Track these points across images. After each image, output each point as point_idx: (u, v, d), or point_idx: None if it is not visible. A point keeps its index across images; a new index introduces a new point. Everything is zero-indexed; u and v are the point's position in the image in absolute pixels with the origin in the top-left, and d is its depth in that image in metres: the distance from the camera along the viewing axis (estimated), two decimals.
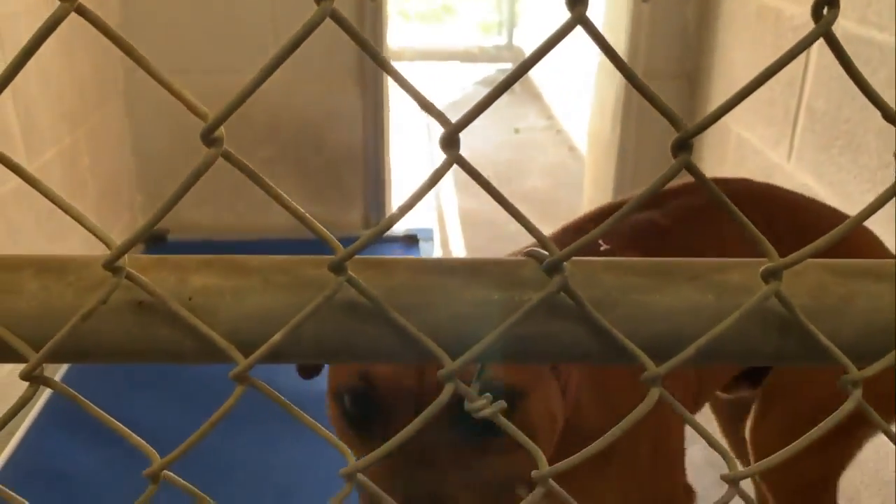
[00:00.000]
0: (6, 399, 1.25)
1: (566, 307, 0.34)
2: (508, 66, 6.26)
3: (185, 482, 0.39)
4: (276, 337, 0.34)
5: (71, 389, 0.37)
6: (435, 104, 0.33)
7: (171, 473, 0.38)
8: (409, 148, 5.04)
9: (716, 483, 1.02)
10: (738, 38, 2.15)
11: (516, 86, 5.74)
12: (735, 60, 2.18)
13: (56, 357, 0.35)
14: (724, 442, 1.16)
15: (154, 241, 2.60)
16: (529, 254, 0.36)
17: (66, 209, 0.36)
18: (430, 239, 2.68)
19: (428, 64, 6.27)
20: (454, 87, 5.88)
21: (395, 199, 2.90)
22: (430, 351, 0.35)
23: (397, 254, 2.61)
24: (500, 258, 0.37)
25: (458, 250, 3.79)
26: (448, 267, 0.36)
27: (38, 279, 0.36)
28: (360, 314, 0.35)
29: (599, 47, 0.30)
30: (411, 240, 2.67)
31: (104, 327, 0.35)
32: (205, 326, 0.35)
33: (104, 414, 0.38)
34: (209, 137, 0.31)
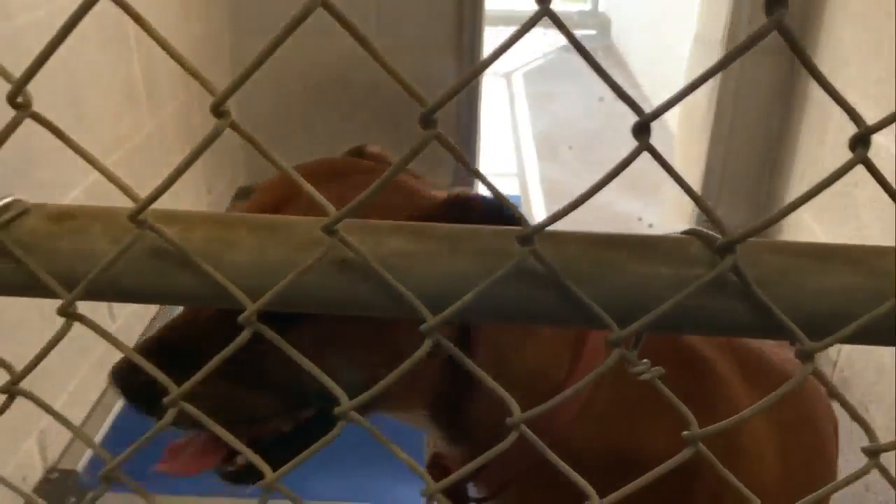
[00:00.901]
0: None
1: (730, 283, 0.38)
2: (592, 33, 6.17)
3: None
4: (468, 297, 0.38)
5: None
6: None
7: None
8: (492, 115, 5.05)
9: None
10: (848, 16, 2.09)
11: (600, 53, 5.68)
12: (843, 38, 2.12)
13: (270, 305, 0.40)
14: None
15: (244, 195, 2.73)
16: (695, 233, 0.39)
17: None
18: (517, 206, 2.70)
19: (510, 29, 6.22)
20: (537, 53, 5.83)
21: (483, 167, 2.93)
22: (601, 319, 0.38)
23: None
24: (664, 235, 0.41)
25: (541, 218, 3.80)
26: (618, 241, 0.40)
27: (254, 236, 0.41)
28: (539, 282, 0.39)
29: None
30: None
31: (314, 281, 0.40)
32: (399, 285, 0.39)
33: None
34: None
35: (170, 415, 0.46)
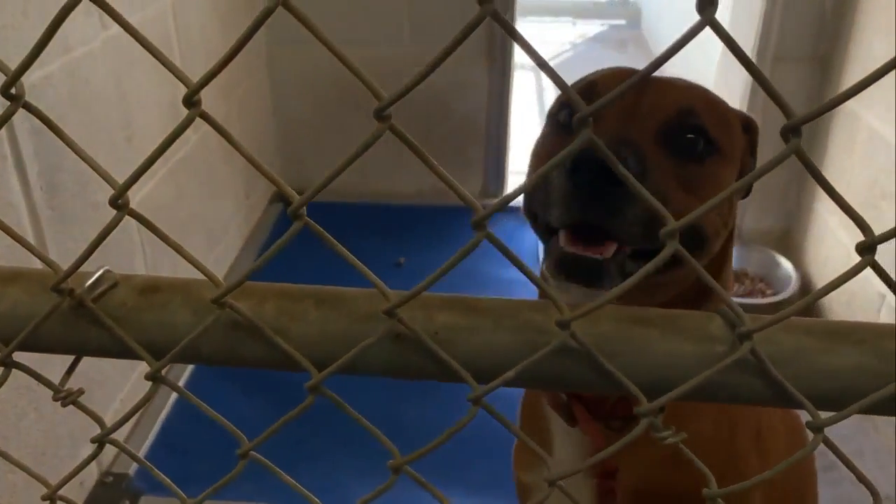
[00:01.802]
0: None
1: (748, 362, 0.42)
2: (622, 23, 6.13)
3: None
4: (510, 374, 0.43)
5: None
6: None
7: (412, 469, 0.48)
8: (523, 115, 5.05)
9: None
10: (878, 25, 2.09)
11: (630, 43, 5.63)
12: (873, 47, 2.12)
13: (332, 373, 0.45)
14: None
15: (279, 200, 2.80)
16: (721, 314, 0.43)
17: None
18: None
19: (541, 19, 6.18)
20: (566, 45, 5.80)
21: (512, 162, 2.96)
22: (630, 391, 0.43)
23: (515, 225, 2.68)
24: (688, 312, 0.45)
25: None
26: (646, 318, 0.44)
27: (319, 309, 0.46)
28: (574, 356, 0.43)
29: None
30: None
31: (371, 351, 0.44)
32: (447, 357, 0.44)
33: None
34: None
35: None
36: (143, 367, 0.46)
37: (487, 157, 2.87)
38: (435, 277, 0.42)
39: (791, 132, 0.36)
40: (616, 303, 0.41)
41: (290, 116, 2.75)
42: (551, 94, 5.17)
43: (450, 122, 2.81)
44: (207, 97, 0.39)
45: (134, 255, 1.64)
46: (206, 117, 0.41)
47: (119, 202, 0.41)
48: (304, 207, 0.41)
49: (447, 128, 2.81)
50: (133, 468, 1.62)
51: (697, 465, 0.45)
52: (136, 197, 1.63)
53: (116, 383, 1.62)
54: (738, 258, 2.83)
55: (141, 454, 1.64)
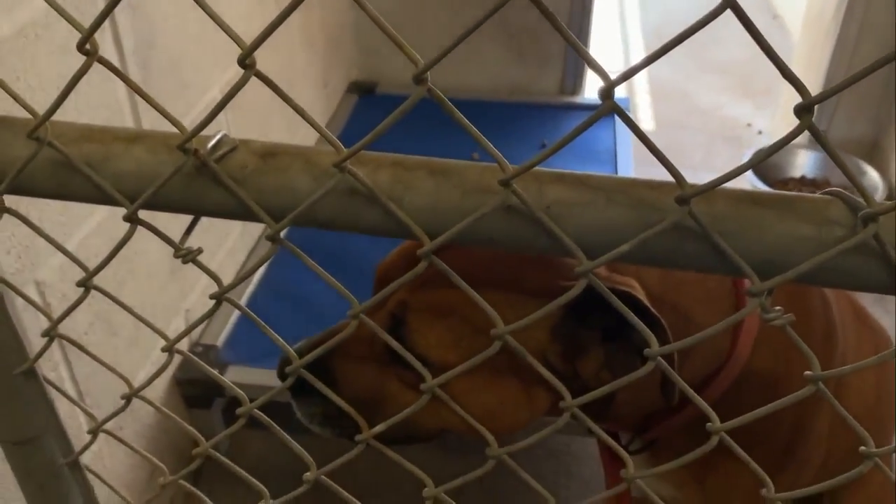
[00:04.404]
0: None
1: (868, 246, 0.41)
2: None
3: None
4: (624, 247, 0.43)
5: None
6: None
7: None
8: (606, 10, 4.87)
9: None
10: None
11: None
12: None
13: (444, 242, 0.46)
14: None
15: (364, 91, 2.78)
16: (838, 195, 0.42)
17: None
18: (626, 108, 2.67)
19: None
20: None
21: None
22: (743, 271, 0.43)
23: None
24: (806, 195, 0.44)
25: (647, 122, 3.73)
26: (763, 199, 0.43)
27: (432, 179, 0.46)
28: (689, 234, 0.43)
29: None
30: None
31: (483, 222, 0.45)
32: (559, 230, 0.44)
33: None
34: (244, 63, 0.41)
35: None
36: (230, 246, 0.48)
37: (567, 52, 2.79)
38: (552, 151, 0.42)
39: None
40: None
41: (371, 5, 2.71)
42: None
43: (531, 13, 2.73)
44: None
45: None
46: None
47: (247, 62, 0.42)
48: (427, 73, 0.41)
49: (528, 19, 2.73)
50: (221, 339, 1.70)
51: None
52: (221, 79, 1.65)
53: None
54: (821, 167, 2.73)
55: (227, 328, 1.72)
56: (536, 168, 0.46)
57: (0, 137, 0.51)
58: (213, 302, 0.53)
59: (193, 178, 0.48)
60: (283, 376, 0.68)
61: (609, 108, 0.39)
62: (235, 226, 1.85)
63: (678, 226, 0.42)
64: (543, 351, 0.67)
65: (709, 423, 0.49)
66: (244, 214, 0.48)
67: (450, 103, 0.42)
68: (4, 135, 0.51)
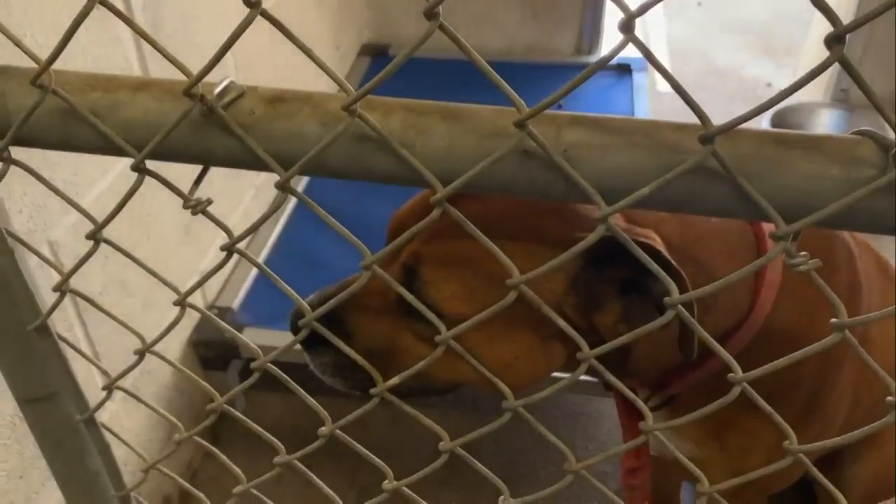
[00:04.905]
0: None
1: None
2: None
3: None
4: (645, 189, 0.41)
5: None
6: None
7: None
8: None
9: None
10: None
11: None
12: None
13: (457, 188, 0.44)
14: None
15: (376, 53, 2.75)
16: (867, 134, 0.41)
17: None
18: (643, 69, 2.63)
19: None
20: None
21: (609, 26, 2.82)
22: (768, 214, 0.41)
23: (609, 83, 2.59)
24: (833, 135, 0.42)
25: (664, 83, 3.66)
26: (789, 139, 0.42)
27: (444, 123, 0.45)
28: (712, 176, 0.41)
29: None
30: (624, 69, 2.62)
31: (498, 167, 0.44)
32: (576, 174, 0.43)
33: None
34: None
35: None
36: (253, 193, 0.47)
37: (584, 11, 2.74)
38: (564, 91, 0.41)
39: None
40: None
41: None
42: None
43: None
44: None
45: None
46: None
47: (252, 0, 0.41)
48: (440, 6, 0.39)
49: None
50: (236, 302, 1.70)
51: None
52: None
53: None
54: (845, 124, 2.68)
55: (242, 290, 1.73)
56: (552, 112, 0.44)
57: (4, 87, 0.50)
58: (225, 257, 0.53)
59: (201, 126, 0.47)
60: (295, 330, 0.67)
61: (627, 40, 0.37)
62: (248, 189, 1.85)
63: (701, 167, 0.41)
64: (560, 303, 0.66)
65: (730, 374, 0.48)
66: (253, 163, 0.47)
67: (464, 41, 0.40)
68: (9, 84, 0.50)
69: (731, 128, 0.39)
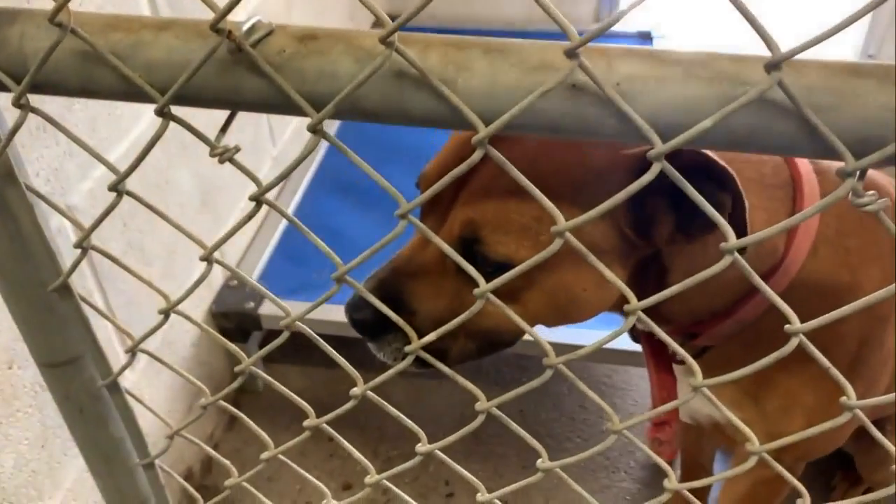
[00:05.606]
0: None
1: None
2: None
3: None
4: (704, 123, 0.39)
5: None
6: None
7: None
8: None
9: None
10: None
11: None
12: None
13: (504, 128, 0.41)
14: None
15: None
16: None
17: None
18: (663, 37, 2.58)
19: None
20: None
21: None
22: (836, 150, 0.38)
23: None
24: None
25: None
26: (862, 69, 0.39)
27: (486, 58, 0.42)
28: (776, 110, 0.39)
29: None
30: (645, 37, 2.57)
31: (545, 103, 0.41)
32: (630, 109, 0.40)
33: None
34: None
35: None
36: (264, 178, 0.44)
37: None
38: (607, 25, 0.38)
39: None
40: None
41: None
42: None
43: None
44: None
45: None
46: None
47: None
48: None
49: None
50: (257, 273, 1.68)
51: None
52: (247, 6, 1.60)
53: (235, 198, 1.67)
54: None
55: (260, 263, 1.71)
56: (603, 44, 0.42)
57: (22, 30, 0.47)
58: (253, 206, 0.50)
59: (228, 67, 0.44)
60: (353, 322, 0.70)
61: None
62: (270, 152, 1.83)
63: (765, 99, 0.38)
64: (618, 223, 0.65)
65: (787, 325, 0.45)
66: (283, 106, 0.45)
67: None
68: (27, 26, 0.47)
69: (799, 52, 0.36)
